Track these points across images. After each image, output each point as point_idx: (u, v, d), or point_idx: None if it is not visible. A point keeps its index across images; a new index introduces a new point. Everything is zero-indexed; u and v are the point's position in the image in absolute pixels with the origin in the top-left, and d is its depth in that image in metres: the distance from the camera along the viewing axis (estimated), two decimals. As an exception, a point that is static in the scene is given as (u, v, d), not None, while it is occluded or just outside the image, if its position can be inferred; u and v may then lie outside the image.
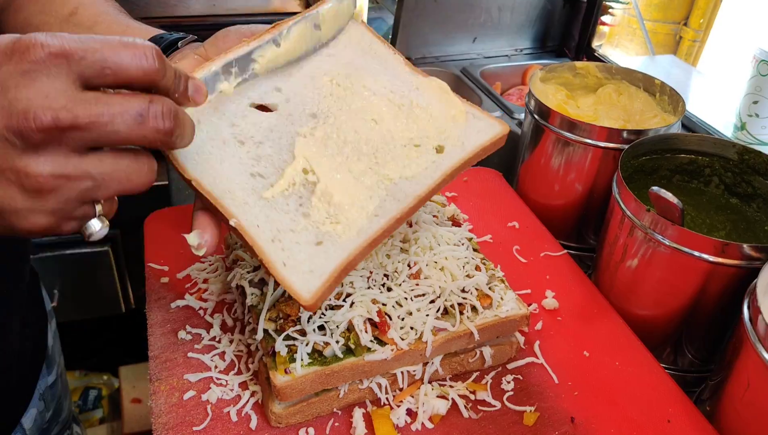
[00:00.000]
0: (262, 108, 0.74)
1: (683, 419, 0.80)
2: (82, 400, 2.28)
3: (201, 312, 0.91)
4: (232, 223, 0.65)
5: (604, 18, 1.96)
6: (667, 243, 0.85)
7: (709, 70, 2.39)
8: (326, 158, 0.72)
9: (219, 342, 0.86)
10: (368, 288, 0.79)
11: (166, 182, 1.61)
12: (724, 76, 2.23)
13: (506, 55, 1.95)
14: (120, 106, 0.49)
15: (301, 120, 0.74)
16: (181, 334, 0.87)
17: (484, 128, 0.80)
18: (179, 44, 0.77)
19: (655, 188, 0.81)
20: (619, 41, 2.38)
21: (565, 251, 1.06)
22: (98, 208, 0.54)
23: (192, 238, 0.67)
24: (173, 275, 0.96)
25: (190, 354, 0.84)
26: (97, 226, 0.54)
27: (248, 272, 0.84)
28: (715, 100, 1.73)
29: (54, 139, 0.48)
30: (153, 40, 0.78)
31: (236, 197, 0.67)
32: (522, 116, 1.59)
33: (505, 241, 1.07)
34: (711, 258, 0.82)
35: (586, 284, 1.00)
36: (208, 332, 0.88)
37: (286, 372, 0.73)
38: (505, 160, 1.43)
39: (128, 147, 0.54)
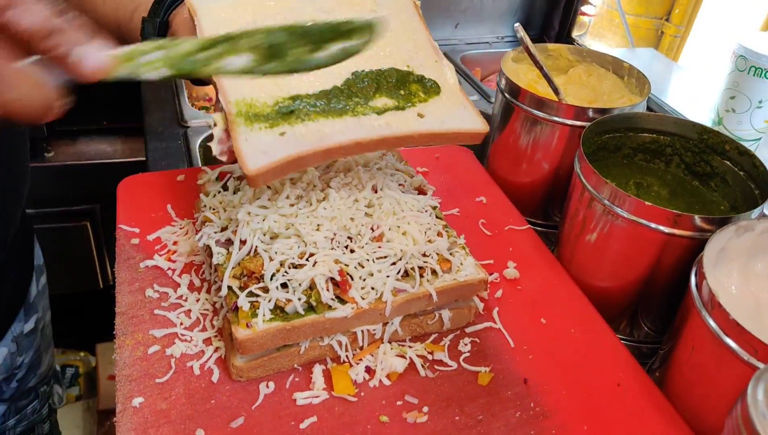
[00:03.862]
0: None
1: (632, 383, 0.83)
2: (59, 377, 2.27)
3: (169, 272, 0.92)
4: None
5: (585, 8, 1.99)
6: (625, 215, 0.88)
7: (690, 65, 2.43)
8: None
9: (185, 300, 0.88)
10: (331, 249, 0.81)
11: (144, 158, 1.62)
12: (705, 71, 2.27)
13: (487, 42, 1.98)
14: None
15: None
16: (149, 292, 0.89)
17: (467, 119, 0.88)
18: None
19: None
20: (601, 33, 2.42)
21: (529, 226, 1.08)
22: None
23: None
24: (143, 237, 0.98)
25: (156, 311, 0.86)
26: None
27: (215, 232, 0.86)
28: (695, 95, 1.77)
29: None
30: None
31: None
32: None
33: (472, 215, 1.09)
34: (666, 229, 0.85)
35: (548, 257, 1.02)
36: (175, 291, 0.89)
37: (247, 326, 0.75)
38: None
39: None
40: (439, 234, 0.87)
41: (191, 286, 0.91)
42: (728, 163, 0.98)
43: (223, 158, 0.80)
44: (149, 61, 0.59)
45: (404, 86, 0.88)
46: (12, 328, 1.03)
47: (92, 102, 1.82)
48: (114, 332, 0.84)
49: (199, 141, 1.39)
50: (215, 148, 0.81)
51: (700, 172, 1.03)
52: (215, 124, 0.82)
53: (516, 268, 0.99)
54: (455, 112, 0.88)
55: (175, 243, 0.97)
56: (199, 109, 1.54)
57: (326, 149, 0.79)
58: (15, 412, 1.17)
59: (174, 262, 0.94)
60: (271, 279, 0.78)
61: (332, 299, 0.78)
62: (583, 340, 0.89)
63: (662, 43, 2.51)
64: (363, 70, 0.87)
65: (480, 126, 0.86)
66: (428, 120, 0.86)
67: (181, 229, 1.00)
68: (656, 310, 0.96)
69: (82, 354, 2.40)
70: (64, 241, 2.00)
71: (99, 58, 0.53)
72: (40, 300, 1.16)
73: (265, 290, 0.78)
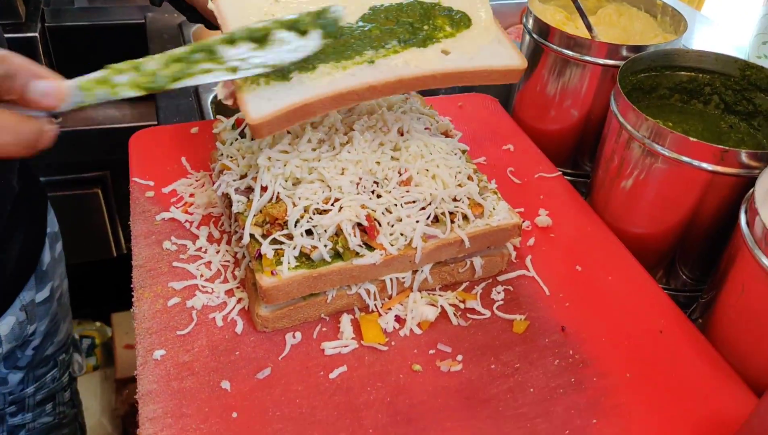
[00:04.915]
0: None
1: (675, 330, 0.79)
2: (76, 348, 2.27)
3: (187, 224, 0.89)
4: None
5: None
6: (666, 153, 0.83)
7: (713, 16, 2.35)
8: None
9: (205, 252, 0.85)
10: (357, 194, 0.77)
11: (155, 123, 1.57)
12: (729, 20, 2.19)
13: (504, -7, 1.90)
14: None
15: None
16: (166, 245, 0.85)
17: (501, 54, 0.80)
18: None
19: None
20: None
21: (560, 173, 1.04)
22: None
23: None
24: (159, 190, 0.94)
25: (175, 263, 0.83)
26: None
27: (234, 180, 0.81)
28: (720, 45, 1.69)
29: None
30: None
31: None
32: (519, 52, 1.55)
33: (499, 163, 1.05)
34: (710, 167, 0.80)
35: (581, 203, 0.98)
36: (194, 243, 0.86)
37: (272, 274, 0.72)
38: (501, 87, 1.40)
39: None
40: (470, 177, 0.82)
41: (210, 238, 0.87)
42: (773, 100, 0.93)
43: (229, 102, 0.74)
44: (121, 83, 0.60)
45: (428, 21, 0.81)
46: (21, 296, 0.99)
47: (98, 66, 1.77)
48: (131, 286, 0.81)
49: (211, 97, 1.35)
50: (220, 91, 0.75)
51: (741, 111, 0.97)
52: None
53: (548, 215, 0.94)
54: (488, 47, 0.80)
55: (191, 195, 0.93)
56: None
57: (336, 95, 0.72)
58: (34, 380, 1.15)
59: (191, 214, 0.90)
60: (296, 225, 0.74)
61: (359, 246, 0.74)
62: (622, 288, 0.84)
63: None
64: (381, 5, 0.81)
65: (517, 61, 0.79)
66: (454, 57, 0.78)
67: (197, 181, 0.96)
68: (696, 256, 0.91)
69: (98, 324, 2.39)
70: (75, 209, 1.97)
71: (54, 90, 0.56)
72: (55, 268, 1.13)
73: (290, 237, 0.74)
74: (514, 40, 1.68)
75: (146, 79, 0.62)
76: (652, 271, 0.93)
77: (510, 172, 1.03)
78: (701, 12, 2.29)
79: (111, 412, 2.18)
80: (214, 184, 0.94)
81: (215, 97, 1.36)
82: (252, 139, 0.85)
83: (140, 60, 0.63)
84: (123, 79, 0.61)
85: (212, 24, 0.99)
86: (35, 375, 1.15)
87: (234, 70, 0.67)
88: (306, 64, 0.72)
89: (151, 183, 0.95)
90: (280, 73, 0.71)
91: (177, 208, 0.91)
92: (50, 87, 0.55)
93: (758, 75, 0.93)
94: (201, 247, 0.85)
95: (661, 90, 1.01)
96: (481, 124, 1.13)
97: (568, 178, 1.09)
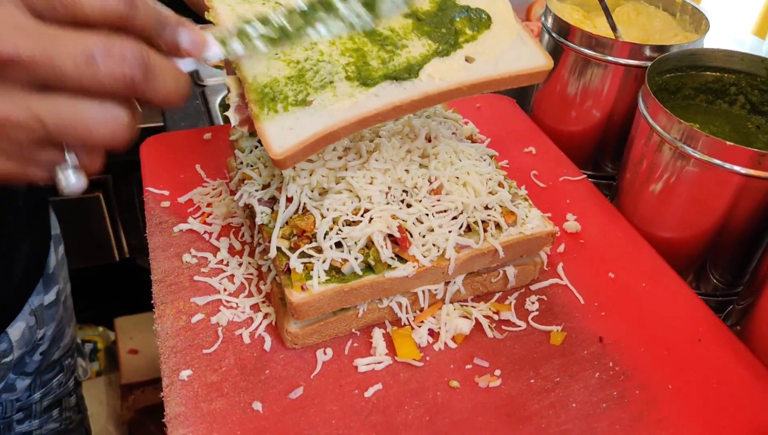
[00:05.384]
0: None
1: (714, 338, 0.77)
2: (78, 353, 2.23)
3: (206, 236, 0.86)
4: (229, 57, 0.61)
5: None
6: (698, 156, 0.80)
7: (710, 8, 2.32)
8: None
9: (227, 265, 0.82)
10: (387, 204, 0.74)
11: (161, 123, 1.54)
12: (727, 15, 2.17)
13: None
14: (68, 44, 0.43)
15: None
16: (186, 258, 0.82)
17: (526, 55, 0.75)
18: None
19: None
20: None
21: (585, 176, 1.01)
22: (71, 157, 0.48)
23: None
24: (174, 200, 0.91)
25: (196, 277, 0.80)
26: (71, 179, 0.49)
27: (257, 190, 0.79)
28: (719, 40, 1.67)
29: None
30: None
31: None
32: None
33: (523, 167, 1.02)
34: (744, 170, 0.78)
35: (608, 208, 0.95)
36: (214, 256, 0.83)
37: (302, 289, 0.69)
38: (519, 87, 1.38)
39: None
40: (500, 184, 0.80)
41: (231, 250, 0.84)
42: (803, 99, 0.91)
43: (244, 128, 0.69)
44: (254, 36, 0.59)
45: (445, 24, 0.75)
46: (30, 301, 0.98)
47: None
48: (152, 301, 0.78)
49: (219, 99, 1.32)
50: (233, 117, 0.70)
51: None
52: (229, 90, 0.73)
53: (576, 220, 0.92)
54: (512, 49, 0.75)
55: (209, 205, 0.90)
56: (215, 67, 1.45)
57: (361, 118, 0.66)
58: (40, 385, 1.13)
59: (210, 224, 0.87)
60: (325, 238, 0.71)
61: (392, 258, 0.71)
62: (656, 295, 0.82)
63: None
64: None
65: (543, 61, 0.75)
66: (479, 64, 0.73)
67: (213, 189, 0.93)
68: (728, 261, 0.89)
69: (100, 329, 2.36)
70: (76, 213, 1.93)
71: (200, 38, 0.53)
72: (60, 271, 1.11)
73: (319, 250, 0.71)
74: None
75: (275, 31, 0.60)
76: (683, 275, 0.91)
77: (534, 175, 1.01)
78: (699, 5, 2.27)
79: (116, 418, 2.15)
80: (231, 193, 0.91)
81: (223, 100, 1.33)
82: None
83: (264, 11, 0.61)
84: (254, 32, 0.59)
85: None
86: (42, 380, 1.14)
87: (352, 26, 0.66)
88: (325, 82, 0.67)
89: (166, 192, 0.92)
90: (301, 98, 0.66)
91: (195, 218, 0.88)
92: (197, 36, 0.53)
93: (787, 74, 0.91)
94: (222, 260, 0.82)
95: (686, 90, 0.99)
96: (501, 126, 1.11)
97: (591, 180, 1.07)
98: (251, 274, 0.81)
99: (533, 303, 0.80)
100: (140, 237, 2.05)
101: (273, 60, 0.66)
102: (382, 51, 0.70)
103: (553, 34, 1.05)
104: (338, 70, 0.68)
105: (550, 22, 1.06)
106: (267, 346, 0.73)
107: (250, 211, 0.82)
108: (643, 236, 0.91)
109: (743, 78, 0.96)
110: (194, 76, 1.38)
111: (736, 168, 0.79)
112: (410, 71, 0.70)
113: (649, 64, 0.95)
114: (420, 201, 0.75)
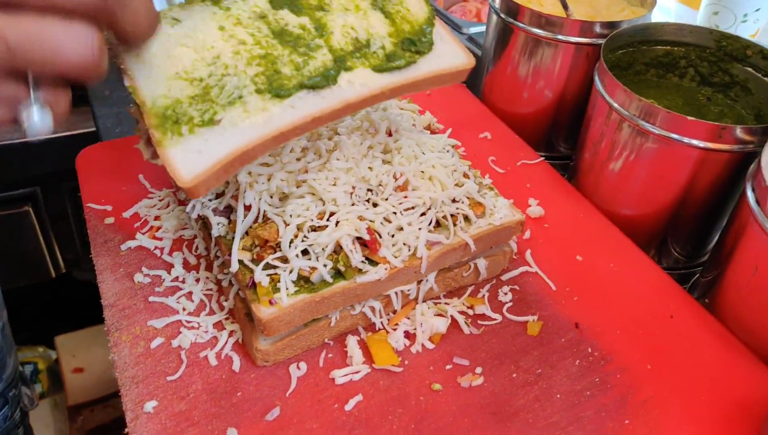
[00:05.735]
0: None
1: (686, 313, 0.78)
2: (18, 376, 2.10)
3: (157, 252, 0.80)
4: (126, 82, 0.58)
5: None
6: (658, 132, 0.80)
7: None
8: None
9: (183, 282, 0.76)
10: (353, 205, 0.70)
11: (94, 129, 1.44)
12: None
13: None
14: None
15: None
16: (138, 278, 0.76)
17: (446, 54, 0.70)
18: None
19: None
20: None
21: (542, 158, 1.00)
22: (36, 94, 0.44)
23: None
24: (118, 215, 0.84)
25: (151, 298, 0.74)
26: (34, 117, 0.44)
27: (210, 200, 0.73)
28: (666, 16, 1.70)
29: None
30: None
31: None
32: (470, 30, 1.51)
33: (479, 153, 1.00)
34: (703, 144, 0.79)
35: (569, 189, 0.95)
36: (168, 273, 0.77)
37: (270, 303, 0.65)
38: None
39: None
40: (466, 175, 0.77)
41: (186, 265, 0.79)
42: (750, 69, 0.92)
43: (158, 162, 0.60)
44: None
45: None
46: None
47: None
48: (106, 328, 0.72)
49: (155, 102, 1.23)
50: (144, 150, 0.64)
51: (717, 82, 0.96)
52: (136, 121, 0.67)
53: (539, 204, 0.91)
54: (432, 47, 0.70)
55: (156, 218, 0.84)
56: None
57: (277, 134, 0.61)
58: None
59: (160, 239, 0.81)
60: (290, 246, 0.67)
61: (362, 262, 0.68)
62: (625, 274, 0.82)
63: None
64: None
65: (464, 59, 0.70)
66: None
67: (160, 200, 0.87)
68: (688, 234, 0.90)
69: (40, 349, 2.22)
70: (4, 231, 1.80)
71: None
72: None
73: (284, 260, 0.67)
74: (461, 16, 1.63)
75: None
76: (645, 250, 0.91)
77: (492, 161, 0.99)
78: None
79: (66, 442, 2.04)
80: (181, 202, 0.86)
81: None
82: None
83: None
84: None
85: None
86: None
87: None
88: (234, 98, 0.61)
89: (109, 207, 0.85)
90: (207, 118, 0.59)
91: (143, 234, 0.82)
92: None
93: (734, 45, 0.92)
94: (178, 277, 0.77)
95: (637, 66, 0.99)
96: (453, 112, 1.08)
97: (548, 162, 1.06)
98: (210, 289, 0.76)
99: (506, 294, 0.78)
100: (76, 250, 1.93)
101: (173, 80, 0.59)
102: (295, 54, 0.63)
103: (502, 15, 1.02)
104: (246, 83, 0.61)
105: (498, 3, 1.04)
106: (236, 366, 0.68)
107: (203, 223, 0.77)
108: (605, 215, 0.91)
109: (692, 50, 0.97)
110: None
111: (695, 142, 0.79)
112: (328, 78, 0.63)
113: (599, 41, 0.94)
114: (386, 199, 0.72)
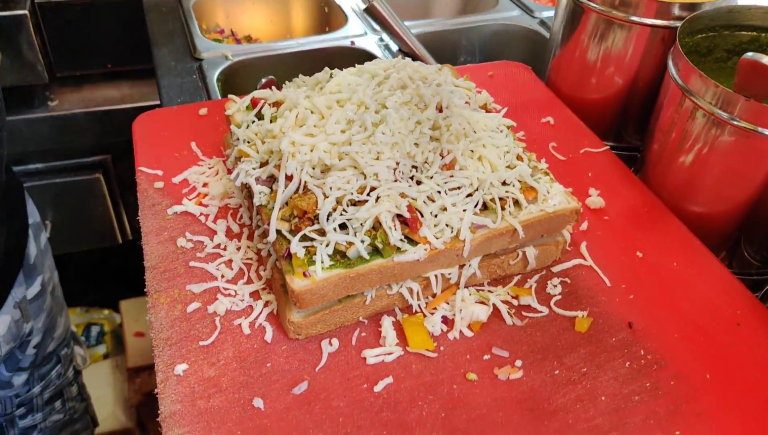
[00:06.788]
0: None
1: (754, 323, 0.71)
2: (85, 337, 2.22)
3: (202, 218, 0.80)
4: None
5: None
6: (736, 123, 0.73)
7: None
8: None
9: (224, 249, 0.76)
10: (395, 181, 0.68)
11: (157, 102, 1.48)
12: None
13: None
14: None
15: None
16: (181, 242, 0.77)
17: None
18: None
19: (750, 54, 0.69)
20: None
21: (608, 147, 0.94)
22: None
23: None
24: (168, 180, 0.85)
25: (191, 263, 0.74)
26: None
27: (254, 168, 0.72)
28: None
29: None
30: None
31: None
32: (543, 15, 1.45)
33: (540, 138, 0.95)
34: (788, 139, 0.71)
35: (634, 181, 0.89)
36: (211, 239, 0.77)
37: (304, 275, 0.63)
38: (533, 54, 1.30)
39: None
40: (519, 157, 0.73)
41: (229, 233, 0.78)
42: None
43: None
44: None
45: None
46: (12, 294, 0.93)
47: (93, 44, 1.67)
48: (145, 289, 0.72)
49: (216, 74, 1.25)
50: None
51: (811, 73, 0.87)
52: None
53: (600, 195, 0.85)
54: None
55: (205, 185, 0.84)
56: (213, 41, 1.38)
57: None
58: (38, 379, 1.10)
59: (206, 206, 0.81)
60: (328, 219, 0.65)
61: (401, 240, 0.65)
62: (689, 275, 0.76)
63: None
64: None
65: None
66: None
67: (210, 168, 0.87)
68: (764, 237, 0.83)
69: (106, 312, 2.33)
70: (76, 196, 1.88)
71: None
72: (43, 260, 1.06)
73: (322, 233, 0.65)
74: (543, 3, 1.56)
75: None
76: (715, 253, 0.85)
77: (552, 147, 0.94)
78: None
79: (124, 401, 2.12)
80: (229, 171, 0.85)
81: (221, 74, 1.26)
82: (271, 122, 0.76)
83: None
84: None
85: None
86: (40, 374, 1.10)
87: None
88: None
89: (160, 172, 0.86)
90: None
91: (190, 199, 0.82)
92: None
93: (833, 32, 0.83)
94: (220, 244, 0.77)
95: (717, 52, 0.91)
96: (515, 95, 1.04)
97: (613, 152, 1.00)
98: (250, 258, 0.75)
99: (555, 286, 0.73)
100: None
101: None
102: None
103: (573, -5, 0.97)
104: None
105: (569, -19, 0.98)
106: (268, 337, 0.67)
107: (248, 191, 0.76)
108: (672, 211, 0.85)
109: (782, 38, 0.88)
110: (191, 49, 1.31)
111: (780, 135, 0.72)
112: None
113: (677, 24, 0.87)
114: (431, 177, 0.69)
